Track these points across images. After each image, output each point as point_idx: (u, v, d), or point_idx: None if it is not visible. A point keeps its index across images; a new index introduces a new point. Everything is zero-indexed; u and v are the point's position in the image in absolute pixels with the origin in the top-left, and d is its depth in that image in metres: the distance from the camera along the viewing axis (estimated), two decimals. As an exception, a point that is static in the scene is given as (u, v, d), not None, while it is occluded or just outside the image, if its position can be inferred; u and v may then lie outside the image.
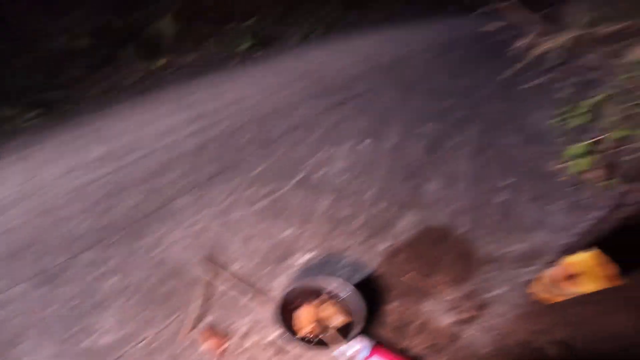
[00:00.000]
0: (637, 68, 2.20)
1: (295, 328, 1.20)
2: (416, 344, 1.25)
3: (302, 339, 1.16)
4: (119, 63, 3.83)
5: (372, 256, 1.54)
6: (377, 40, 4.18)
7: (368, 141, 2.15)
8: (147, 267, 1.58)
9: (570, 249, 1.45)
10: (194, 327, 1.34)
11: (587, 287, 1.19)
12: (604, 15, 2.89)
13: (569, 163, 1.94)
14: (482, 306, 1.35)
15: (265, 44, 4.27)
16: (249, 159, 2.10)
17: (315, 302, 1.26)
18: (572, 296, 1.26)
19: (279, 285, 1.47)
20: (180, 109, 2.73)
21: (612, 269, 1.16)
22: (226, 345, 1.28)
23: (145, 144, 2.35)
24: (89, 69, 3.64)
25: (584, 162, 1.91)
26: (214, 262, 1.57)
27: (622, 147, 1.96)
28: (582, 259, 1.20)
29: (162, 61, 3.83)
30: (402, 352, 1.24)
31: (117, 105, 2.93)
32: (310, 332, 1.18)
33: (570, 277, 1.21)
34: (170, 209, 1.85)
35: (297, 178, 1.93)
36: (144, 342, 1.31)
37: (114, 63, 3.82)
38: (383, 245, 1.57)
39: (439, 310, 1.35)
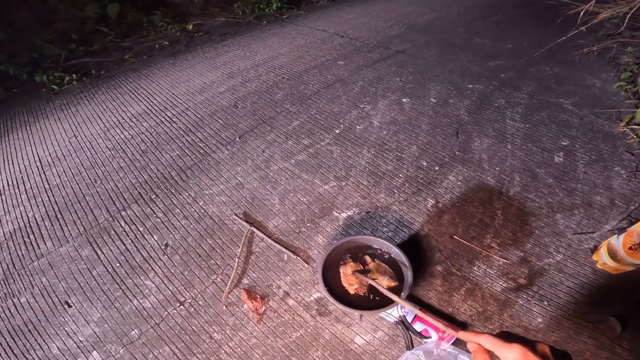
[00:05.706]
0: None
1: (339, 288, 1.16)
2: (463, 310, 1.19)
3: (345, 301, 1.11)
4: (148, 29, 3.82)
5: (415, 215, 1.46)
6: (409, 1, 3.91)
7: (408, 98, 2.03)
8: (186, 223, 1.57)
9: (634, 217, 1.33)
10: (233, 288, 1.33)
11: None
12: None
13: (635, 127, 1.76)
14: (535, 274, 1.27)
15: (294, 4, 4.18)
16: (284, 114, 2.06)
17: (358, 262, 1.21)
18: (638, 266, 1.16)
19: (320, 243, 1.43)
20: (212, 69, 2.76)
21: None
22: (266, 306, 1.27)
23: (180, 101, 2.37)
24: (118, 35, 3.63)
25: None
26: (252, 218, 1.54)
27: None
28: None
29: (190, 25, 3.86)
30: (447, 318, 1.18)
31: (150, 67, 2.97)
32: (356, 292, 1.14)
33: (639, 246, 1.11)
34: (207, 163, 1.83)
35: (335, 132, 1.86)
36: (186, 303, 1.30)
37: (144, 29, 3.83)
38: (427, 204, 1.49)
39: (489, 276, 1.28)
